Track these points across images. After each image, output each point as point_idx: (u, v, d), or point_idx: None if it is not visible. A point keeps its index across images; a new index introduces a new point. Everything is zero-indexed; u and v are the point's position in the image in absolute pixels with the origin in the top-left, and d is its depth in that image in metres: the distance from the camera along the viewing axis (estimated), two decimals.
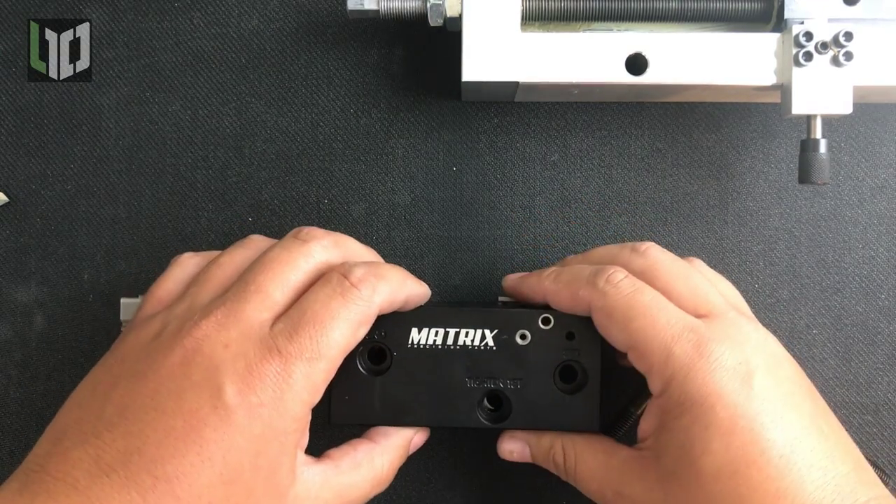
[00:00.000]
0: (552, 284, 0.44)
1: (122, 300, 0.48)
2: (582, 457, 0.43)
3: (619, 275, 0.42)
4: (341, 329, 0.38)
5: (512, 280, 0.47)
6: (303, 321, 0.38)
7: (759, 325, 0.42)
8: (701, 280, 0.43)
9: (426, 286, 0.45)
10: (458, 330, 0.44)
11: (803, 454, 0.37)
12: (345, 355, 0.39)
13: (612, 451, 0.42)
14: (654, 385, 0.40)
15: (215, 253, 0.44)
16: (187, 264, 0.44)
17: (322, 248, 0.41)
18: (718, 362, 0.38)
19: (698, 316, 0.41)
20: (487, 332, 0.44)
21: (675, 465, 0.38)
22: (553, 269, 0.45)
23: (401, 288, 0.42)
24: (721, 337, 0.39)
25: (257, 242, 0.43)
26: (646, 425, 0.41)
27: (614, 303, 0.41)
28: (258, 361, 0.37)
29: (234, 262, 0.42)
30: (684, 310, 0.41)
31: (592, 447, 0.43)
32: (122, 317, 0.48)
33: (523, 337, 0.44)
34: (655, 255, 0.43)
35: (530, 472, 0.52)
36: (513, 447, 0.45)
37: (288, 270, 0.40)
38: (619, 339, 0.41)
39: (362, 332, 0.40)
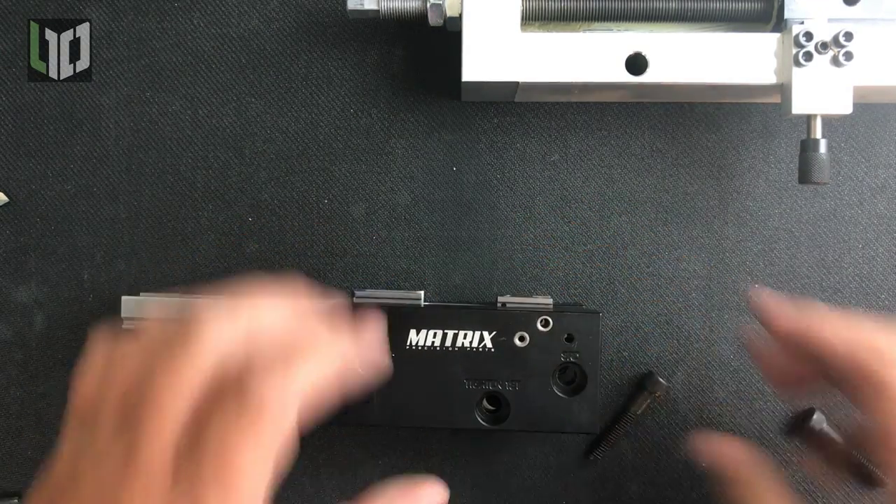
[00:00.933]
0: (831, 334, 0.39)
1: (124, 298, 0.48)
2: None
3: None
4: (252, 465, 0.31)
5: (766, 300, 0.42)
6: (204, 462, 0.31)
7: None
8: None
9: (380, 351, 0.38)
10: (456, 332, 0.44)
11: None
12: (271, 482, 0.33)
13: None
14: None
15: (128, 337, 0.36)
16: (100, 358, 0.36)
17: (215, 343, 0.33)
18: None
19: None
20: (486, 333, 0.44)
21: None
22: (827, 311, 0.40)
23: (327, 371, 0.34)
24: None
25: (149, 334, 0.35)
26: None
27: None
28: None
29: (122, 382, 0.34)
30: None
31: None
32: (123, 314, 0.48)
33: (522, 339, 0.44)
34: None
35: (529, 473, 0.52)
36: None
37: (177, 400, 0.32)
38: (878, 422, 0.37)
39: (284, 453, 0.33)
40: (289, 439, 0.33)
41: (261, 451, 0.32)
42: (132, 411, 0.33)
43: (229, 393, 0.32)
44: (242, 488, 0.31)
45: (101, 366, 0.35)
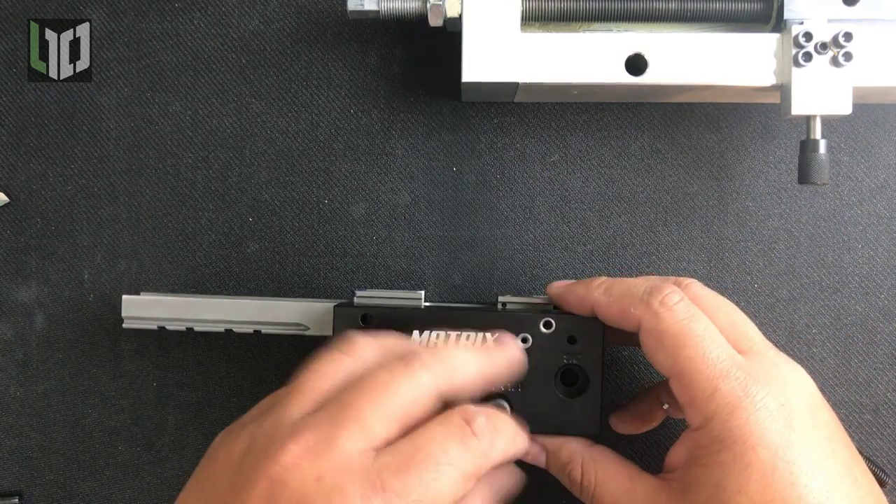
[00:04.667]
0: (602, 297, 0.43)
1: (124, 298, 0.48)
2: (603, 479, 0.42)
3: (674, 297, 0.41)
4: (453, 478, 0.34)
5: (558, 287, 0.46)
6: (416, 459, 0.34)
7: (797, 366, 0.41)
8: (741, 316, 0.42)
9: (529, 443, 0.42)
10: (458, 333, 0.44)
11: (837, 501, 0.37)
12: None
13: (636, 478, 0.41)
14: (694, 418, 0.39)
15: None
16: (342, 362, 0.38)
17: (428, 373, 0.37)
18: (763, 403, 0.38)
19: (739, 352, 0.40)
20: (488, 335, 0.44)
21: (705, 501, 0.38)
22: (603, 279, 0.44)
23: (513, 446, 0.38)
24: (766, 378, 0.39)
25: (362, 350, 0.39)
26: (676, 456, 0.40)
27: (667, 327, 0.40)
28: (357, 499, 0.32)
29: (334, 373, 0.37)
30: None
31: (616, 470, 0.42)
32: (124, 313, 0.48)
33: (524, 340, 0.44)
34: (697, 289, 0.42)
35: (529, 473, 0.52)
36: (528, 449, 0.43)
37: (391, 398, 0.35)
38: (664, 364, 0.40)
39: (468, 487, 0.35)
40: (477, 478, 0.36)
41: (465, 464, 0.35)
42: (336, 401, 0.36)
43: (454, 413, 0.37)
44: (442, 483, 0.34)
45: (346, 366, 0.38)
